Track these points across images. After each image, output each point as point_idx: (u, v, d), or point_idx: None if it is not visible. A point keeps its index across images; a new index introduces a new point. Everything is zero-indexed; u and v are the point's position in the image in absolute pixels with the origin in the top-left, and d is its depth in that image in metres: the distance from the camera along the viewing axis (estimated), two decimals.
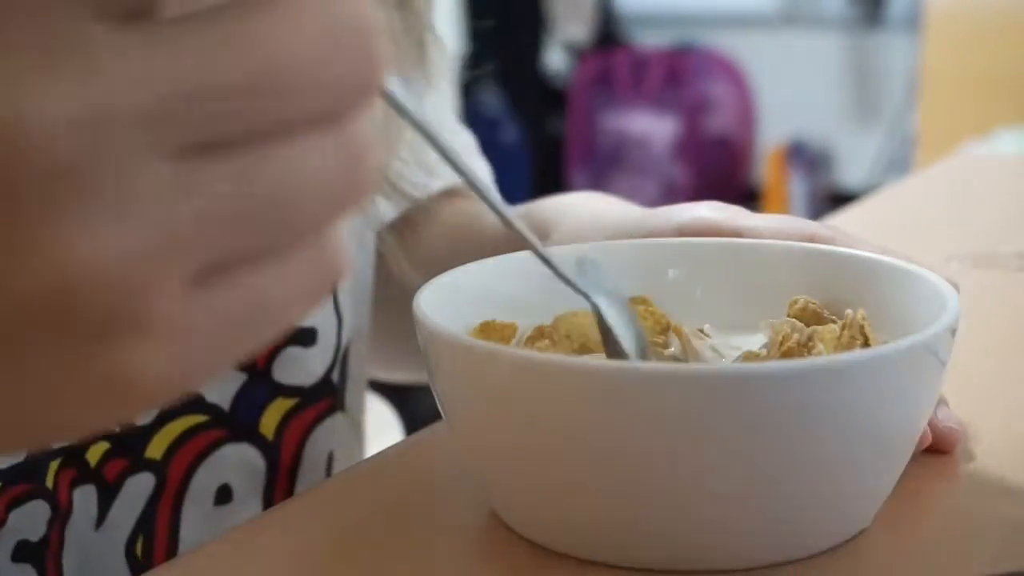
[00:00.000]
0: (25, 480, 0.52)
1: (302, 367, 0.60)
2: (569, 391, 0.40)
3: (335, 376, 0.62)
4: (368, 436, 0.72)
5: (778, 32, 3.72)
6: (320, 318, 0.60)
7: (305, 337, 0.60)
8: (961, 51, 2.63)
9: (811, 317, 0.49)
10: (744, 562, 0.42)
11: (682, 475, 0.40)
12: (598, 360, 0.46)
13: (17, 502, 0.51)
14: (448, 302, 0.47)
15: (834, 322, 0.49)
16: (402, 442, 0.58)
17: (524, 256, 0.53)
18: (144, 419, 0.55)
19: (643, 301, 0.52)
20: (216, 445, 0.58)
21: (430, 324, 0.43)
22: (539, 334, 0.50)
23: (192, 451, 0.57)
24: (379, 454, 0.55)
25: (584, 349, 0.49)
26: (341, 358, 0.62)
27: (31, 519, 0.52)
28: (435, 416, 0.48)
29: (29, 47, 0.24)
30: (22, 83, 0.24)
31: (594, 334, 0.48)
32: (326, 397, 0.61)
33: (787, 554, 0.42)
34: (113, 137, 0.24)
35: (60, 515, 0.53)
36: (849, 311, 0.49)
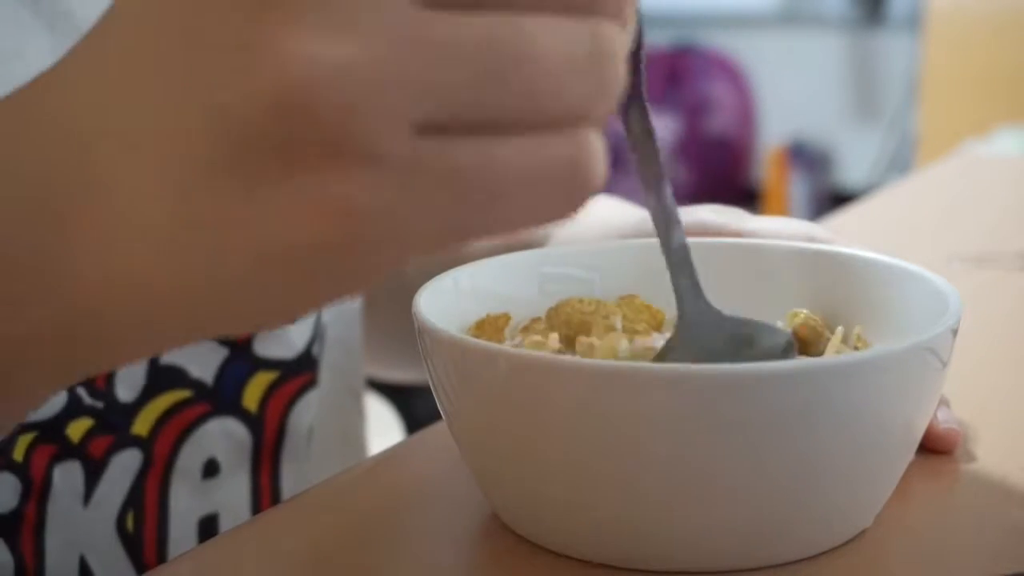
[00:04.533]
0: None
1: (283, 340, 0.60)
2: (569, 391, 0.40)
3: (315, 350, 0.62)
4: (368, 436, 0.72)
5: (778, 32, 3.72)
6: None
7: None
8: (961, 51, 2.63)
9: (810, 333, 0.49)
10: (745, 562, 0.42)
11: (682, 475, 0.40)
12: (597, 360, 0.46)
13: None
14: (447, 302, 0.47)
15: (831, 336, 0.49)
16: (402, 442, 0.58)
17: (523, 256, 0.53)
18: (129, 396, 0.55)
19: (633, 298, 0.52)
20: (201, 420, 0.58)
21: (429, 324, 0.43)
22: (534, 323, 0.50)
23: (177, 426, 0.57)
24: (379, 454, 0.55)
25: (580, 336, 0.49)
26: (321, 333, 0.63)
27: None
28: (435, 416, 0.48)
29: None
30: None
31: (592, 323, 0.49)
32: (307, 371, 0.61)
33: (787, 554, 0.42)
34: None
35: (35, 491, 0.53)
36: (841, 328, 0.49)
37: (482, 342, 0.43)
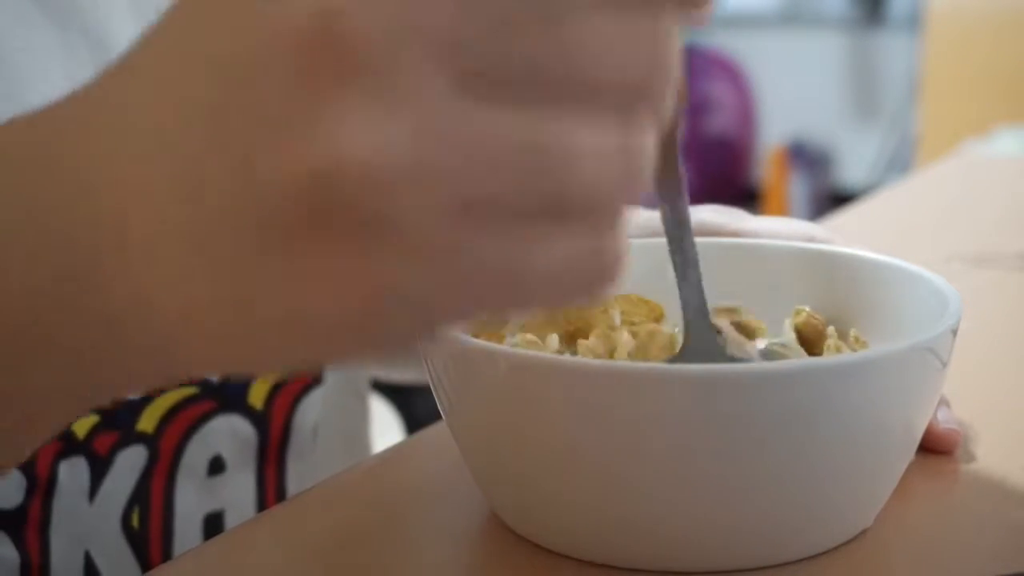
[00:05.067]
0: None
1: None
2: (567, 391, 0.40)
3: None
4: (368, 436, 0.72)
5: (778, 32, 3.72)
6: None
7: None
8: (961, 51, 2.63)
9: (812, 332, 0.49)
10: (744, 562, 0.42)
11: (682, 475, 0.40)
12: (597, 360, 0.46)
13: None
14: None
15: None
16: (402, 442, 0.58)
17: None
18: (137, 394, 0.56)
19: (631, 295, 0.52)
20: (206, 417, 0.58)
21: None
22: (533, 322, 0.50)
23: (183, 423, 0.57)
24: (379, 454, 0.55)
25: (579, 332, 0.49)
26: None
27: (2, 488, 0.52)
28: (435, 416, 0.48)
29: None
30: None
31: (590, 317, 0.49)
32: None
33: (787, 554, 0.42)
34: (413, 43, 0.24)
35: (40, 487, 0.53)
36: (833, 328, 0.49)
37: (482, 342, 0.43)
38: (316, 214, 0.25)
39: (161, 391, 0.57)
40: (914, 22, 3.24)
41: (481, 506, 0.47)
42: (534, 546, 0.44)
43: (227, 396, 0.59)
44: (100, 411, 0.55)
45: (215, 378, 0.58)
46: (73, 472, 0.54)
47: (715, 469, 0.40)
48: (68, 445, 0.54)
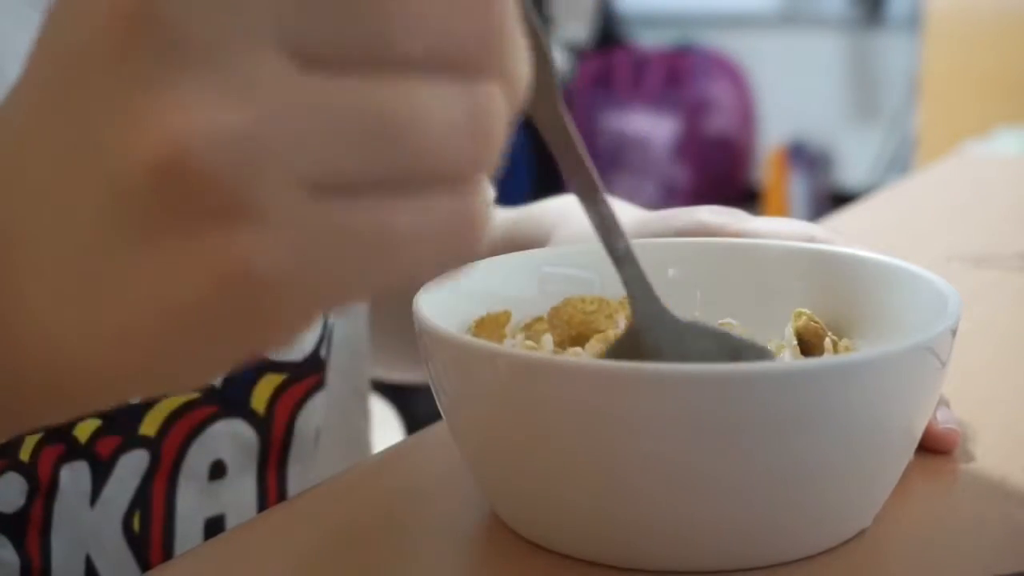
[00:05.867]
0: None
1: None
2: (568, 391, 0.40)
3: (323, 352, 0.62)
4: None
5: (778, 32, 3.72)
6: None
7: None
8: (961, 51, 2.63)
9: (812, 336, 0.49)
10: (744, 562, 0.42)
11: (682, 475, 0.40)
12: (597, 360, 0.46)
13: None
14: (448, 301, 0.47)
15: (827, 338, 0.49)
16: (402, 442, 0.58)
17: (523, 256, 0.53)
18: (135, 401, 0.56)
19: None
20: (208, 421, 0.58)
21: (429, 323, 0.43)
22: (536, 323, 0.50)
23: (185, 427, 0.57)
24: (379, 454, 0.55)
25: (582, 337, 0.49)
26: (328, 335, 0.63)
27: (3, 491, 0.52)
28: (435, 416, 0.48)
29: None
30: None
31: (595, 322, 0.49)
32: (315, 372, 0.62)
33: (787, 554, 0.42)
34: (240, 21, 0.25)
35: (42, 490, 0.53)
36: (829, 341, 0.49)
37: (482, 342, 0.43)
38: (171, 203, 0.25)
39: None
40: (914, 22, 3.24)
41: (481, 506, 0.47)
42: (534, 546, 0.44)
43: (229, 400, 0.59)
44: (102, 415, 0.55)
45: (217, 383, 0.58)
46: (74, 476, 0.54)
47: (715, 469, 0.40)
48: (70, 449, 0.54)
